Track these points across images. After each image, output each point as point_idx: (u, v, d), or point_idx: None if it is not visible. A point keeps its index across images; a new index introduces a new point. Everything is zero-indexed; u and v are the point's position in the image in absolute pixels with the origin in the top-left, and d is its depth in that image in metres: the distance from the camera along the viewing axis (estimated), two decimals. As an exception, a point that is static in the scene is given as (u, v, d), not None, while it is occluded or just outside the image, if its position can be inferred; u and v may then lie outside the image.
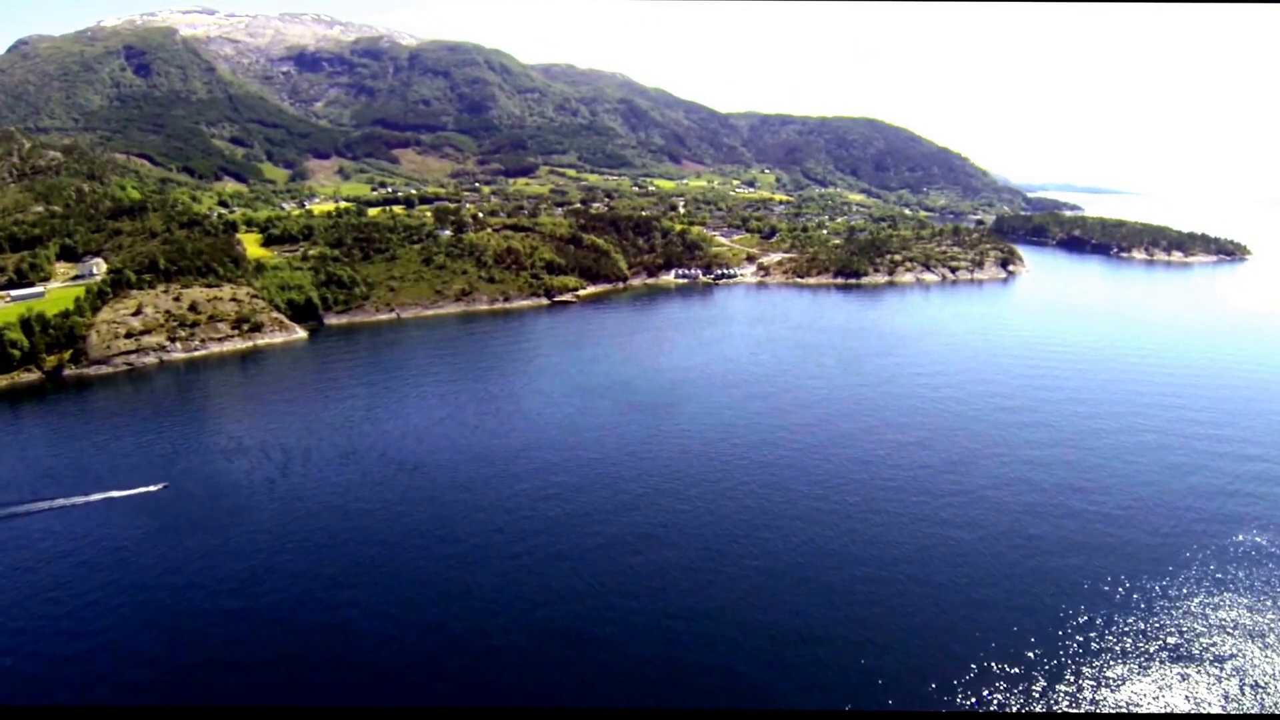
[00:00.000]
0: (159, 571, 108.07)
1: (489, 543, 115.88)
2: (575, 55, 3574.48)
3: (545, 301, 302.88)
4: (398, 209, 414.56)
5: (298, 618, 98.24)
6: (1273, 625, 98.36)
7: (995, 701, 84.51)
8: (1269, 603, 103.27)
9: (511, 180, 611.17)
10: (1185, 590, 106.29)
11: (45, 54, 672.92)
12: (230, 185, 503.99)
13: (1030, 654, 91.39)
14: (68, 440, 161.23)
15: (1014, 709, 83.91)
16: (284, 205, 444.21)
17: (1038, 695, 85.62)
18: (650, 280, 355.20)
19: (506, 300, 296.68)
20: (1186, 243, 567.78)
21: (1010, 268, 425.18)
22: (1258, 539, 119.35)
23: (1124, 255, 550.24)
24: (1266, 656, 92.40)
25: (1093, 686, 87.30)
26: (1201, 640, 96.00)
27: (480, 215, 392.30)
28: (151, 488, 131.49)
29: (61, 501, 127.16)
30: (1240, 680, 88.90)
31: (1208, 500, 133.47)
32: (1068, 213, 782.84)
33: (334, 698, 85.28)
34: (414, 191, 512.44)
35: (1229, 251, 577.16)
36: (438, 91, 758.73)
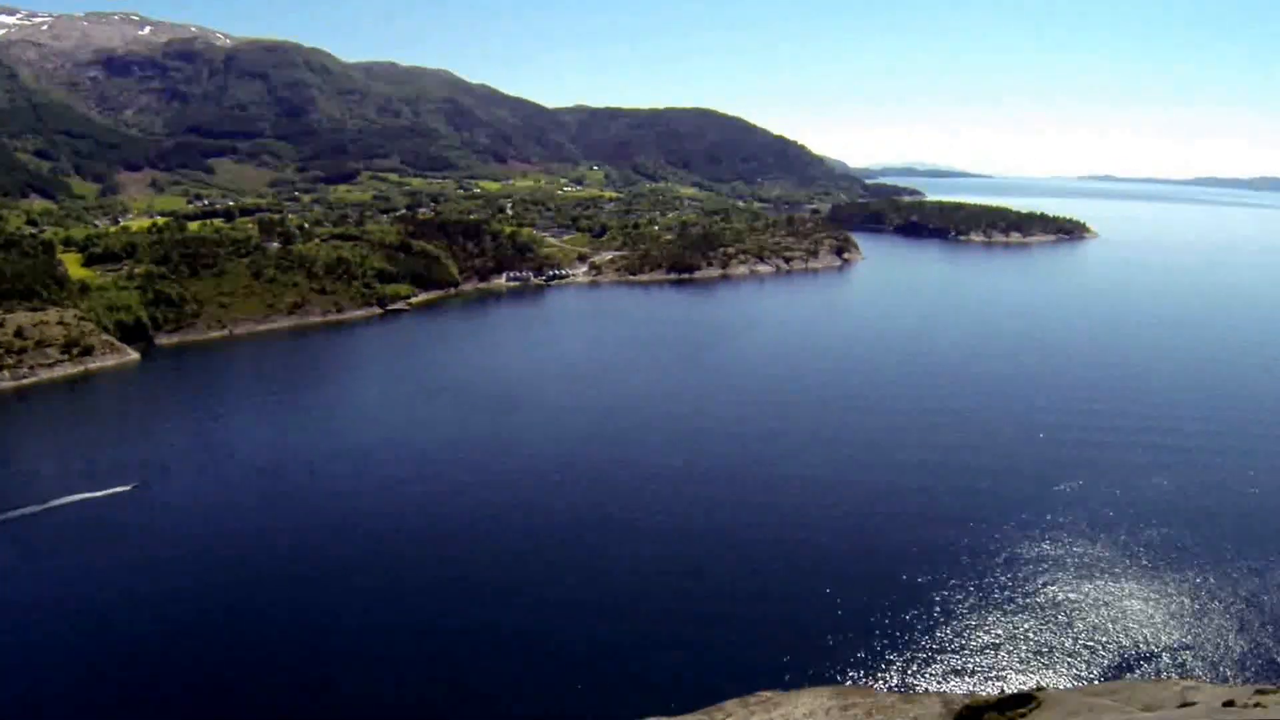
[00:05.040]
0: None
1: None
2: (398, 52, 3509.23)
3: (379, 311, 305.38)
4: (218, 222, 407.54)
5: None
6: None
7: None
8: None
9: (332, 187, 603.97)
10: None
11: None
12: (38, 203, 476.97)
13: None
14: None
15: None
16: (97, 222, 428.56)
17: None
18: (482, 284, 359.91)
19: (339, 311, 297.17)
20: (1025, 224, 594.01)
21: (845, 256, 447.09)
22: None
23: (962, 238, 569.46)
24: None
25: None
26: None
27: (306, 225, 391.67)
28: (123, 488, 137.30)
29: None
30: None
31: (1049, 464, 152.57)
32: (906, 198, 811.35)
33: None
34: (232, 203, 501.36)
35: (1068, 231, 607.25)
36: (254, 95, 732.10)
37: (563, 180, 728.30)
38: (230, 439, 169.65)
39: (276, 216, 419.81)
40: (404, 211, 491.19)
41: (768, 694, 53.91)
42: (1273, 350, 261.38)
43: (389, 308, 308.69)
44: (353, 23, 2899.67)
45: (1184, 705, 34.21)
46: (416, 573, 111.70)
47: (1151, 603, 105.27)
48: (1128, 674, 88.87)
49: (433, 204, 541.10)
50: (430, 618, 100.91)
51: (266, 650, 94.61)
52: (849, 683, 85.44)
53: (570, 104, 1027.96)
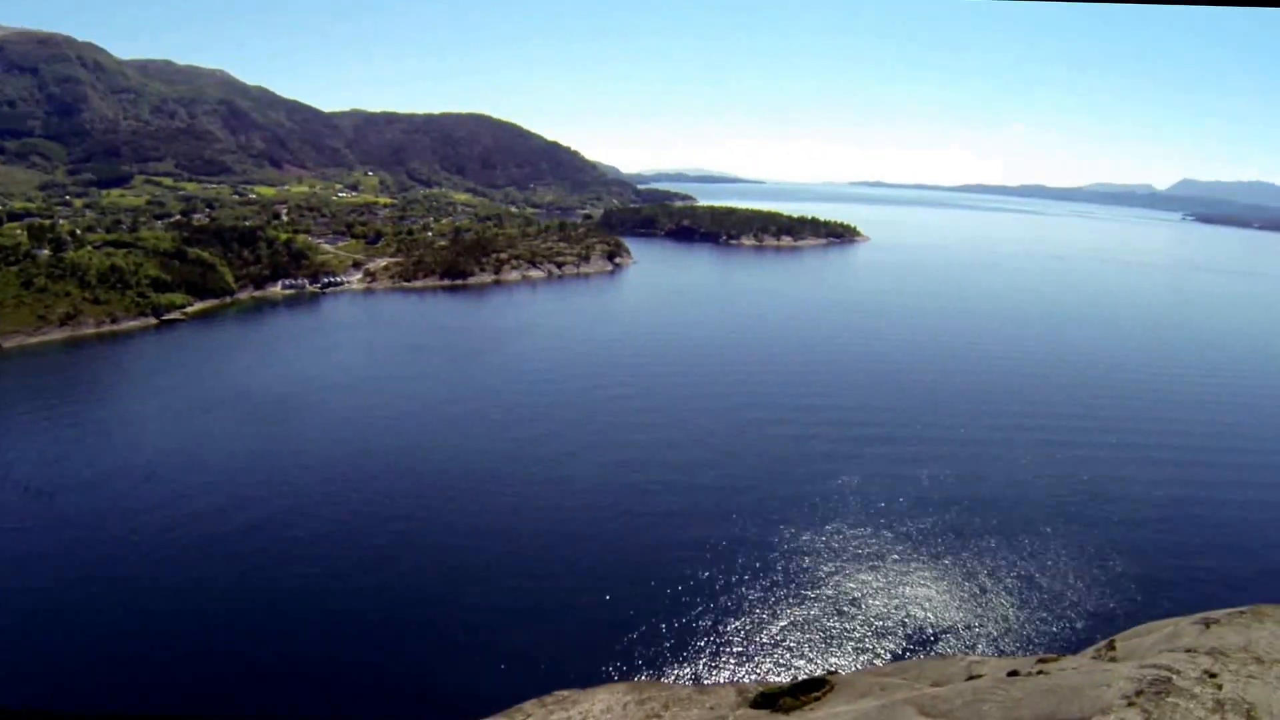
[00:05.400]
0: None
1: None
2: (174, 50, 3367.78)
3: (154, 321, 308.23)
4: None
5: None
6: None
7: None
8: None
9: (105, 191, 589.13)
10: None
11: None
12: None
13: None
14: None
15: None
16: None
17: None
18: (257, 293, 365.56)
19: (114, 322, 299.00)
20: (797, 228, 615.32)
21: (617, 260, 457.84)
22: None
23: (734, 243, 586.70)
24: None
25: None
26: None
27: (78, 232, 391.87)
28: None
29: None
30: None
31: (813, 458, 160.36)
32: (678, 203, 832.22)
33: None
34: (1, 208, 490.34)
35: (839, 235, 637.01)
36: (24, 91, 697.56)
37: (338, 186, 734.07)
38: (2, 460, 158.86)
39: (47, 222, 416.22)
40: (179, 217, 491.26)
41: (564, 693, 54.42)
42: (1029, 344, 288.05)
43: (165, 318, 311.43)
44: (127, 17, 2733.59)
45: (971, 678, 35.49)
46: (202, 590, 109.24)
47: (934, 586, 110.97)
48: (916, 654, 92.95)
49: (208, 210, 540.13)
50: (211, 634, 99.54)
51: (45, 679, 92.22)
52: (644, 678, 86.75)
53: (346, 108, 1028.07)
